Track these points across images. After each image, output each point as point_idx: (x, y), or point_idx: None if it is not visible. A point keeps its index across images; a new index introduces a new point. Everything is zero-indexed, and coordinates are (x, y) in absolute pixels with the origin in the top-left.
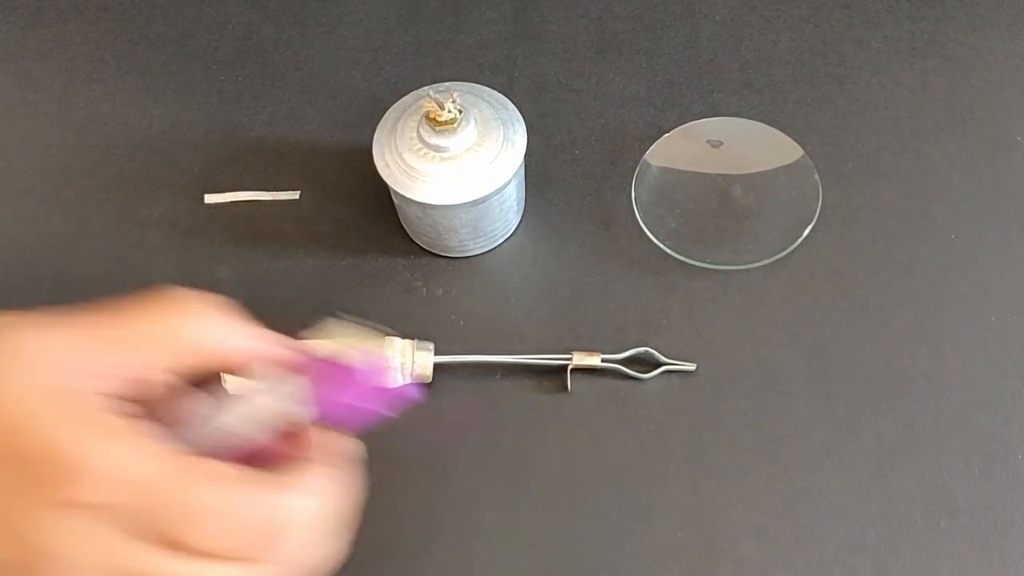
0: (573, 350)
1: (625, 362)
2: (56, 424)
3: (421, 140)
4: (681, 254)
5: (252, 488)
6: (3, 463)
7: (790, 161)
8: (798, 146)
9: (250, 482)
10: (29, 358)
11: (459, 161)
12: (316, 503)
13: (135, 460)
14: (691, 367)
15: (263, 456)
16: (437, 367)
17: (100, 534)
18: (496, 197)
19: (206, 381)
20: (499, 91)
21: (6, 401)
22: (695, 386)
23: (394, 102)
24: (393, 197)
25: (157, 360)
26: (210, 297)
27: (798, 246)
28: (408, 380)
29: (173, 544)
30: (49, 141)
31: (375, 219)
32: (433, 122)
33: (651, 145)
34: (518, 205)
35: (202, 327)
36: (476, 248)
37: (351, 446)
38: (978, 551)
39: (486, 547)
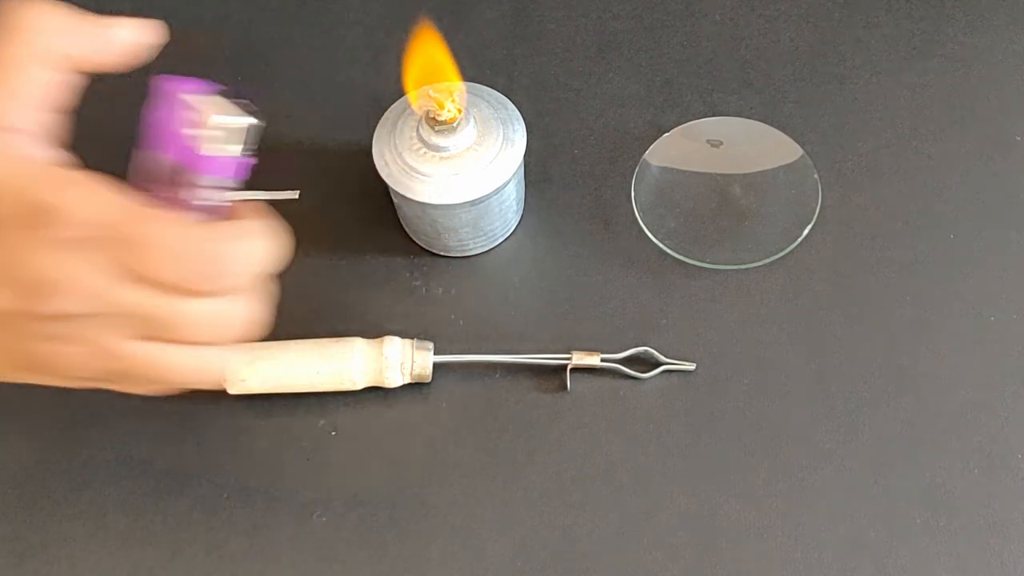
0: (572, 349)
1: (624, 361)
2: (26, 179)
3: (421, 140)
4: (681, 254)
5: (198, 227)
6: None
7: (789, 161)
8: (797, 146)
9: (196, 223)
10: None
11: (459, 161)
12: (256, 243)
13: (99, 202)
14: (691, 367)
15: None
16: (436, 366)
17: (84, 266)
18: (496, 197)
19: None
20: (499, 91)
21: None
22: (695, 386)
23: (394, 101)
24: (393, 197)
25: (38, 91)
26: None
27: (797, 246)
28: (407, 380)
29: (138, 277)
30: None
31: (374, 219)
32: (433, 121)
33: (651, 145)
34: (518, 205)
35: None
36: (476, 248)
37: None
38: (977, 550)
39: (485, 546)
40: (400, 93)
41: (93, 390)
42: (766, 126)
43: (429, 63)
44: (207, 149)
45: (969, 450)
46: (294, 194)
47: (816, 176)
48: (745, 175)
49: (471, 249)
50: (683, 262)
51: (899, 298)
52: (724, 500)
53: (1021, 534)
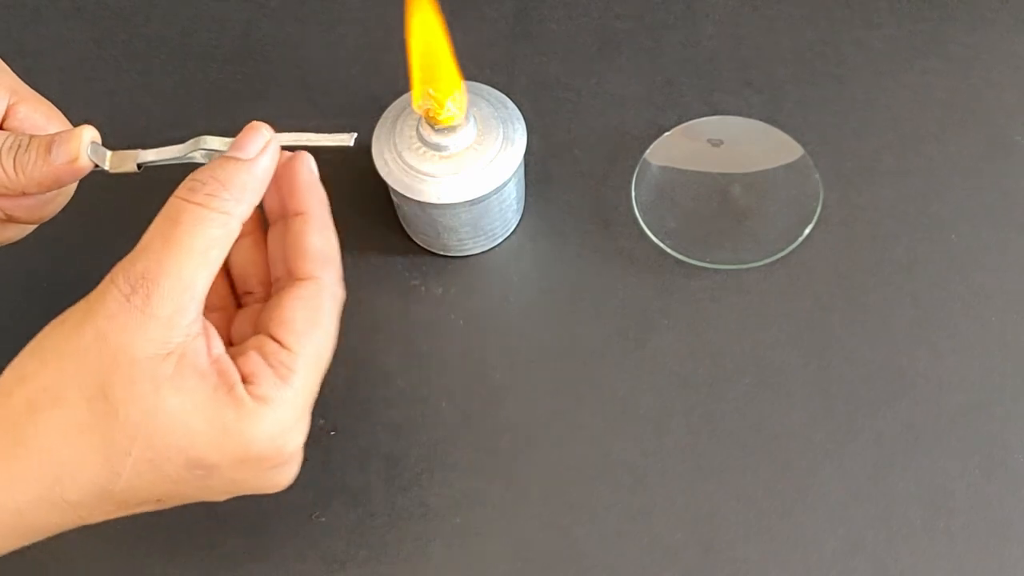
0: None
1: None
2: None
3: (420, 139)
4: (681, 253)
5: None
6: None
7: (790, 160)
8: (798, 145)
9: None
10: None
11: (458, 160)
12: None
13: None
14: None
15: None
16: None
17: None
18: (496, 196)
19: None
20: (499, 90)
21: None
22: (694, 386)
23: (393, 100)
24: (392, 196)
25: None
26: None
27: (798, 246)
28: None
29: None
30: None
31: (374, 218)
32: (432, 121)
33: (651, 144)
34: (518, 204)
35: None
36: (475, 247)
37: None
38: (977, 552)
39: (485, 546)
40: (399, 91)
41: None
42: (767, 125)
43: (431, 61)
44: None
45: (969, 451)
46: (349, 139)
47: (817, 176)
48: (745, 175)
49: (471, 249)
50: (683, 262)
51: (899, 298)
52: (722, 500)
53: (1020, 535)
